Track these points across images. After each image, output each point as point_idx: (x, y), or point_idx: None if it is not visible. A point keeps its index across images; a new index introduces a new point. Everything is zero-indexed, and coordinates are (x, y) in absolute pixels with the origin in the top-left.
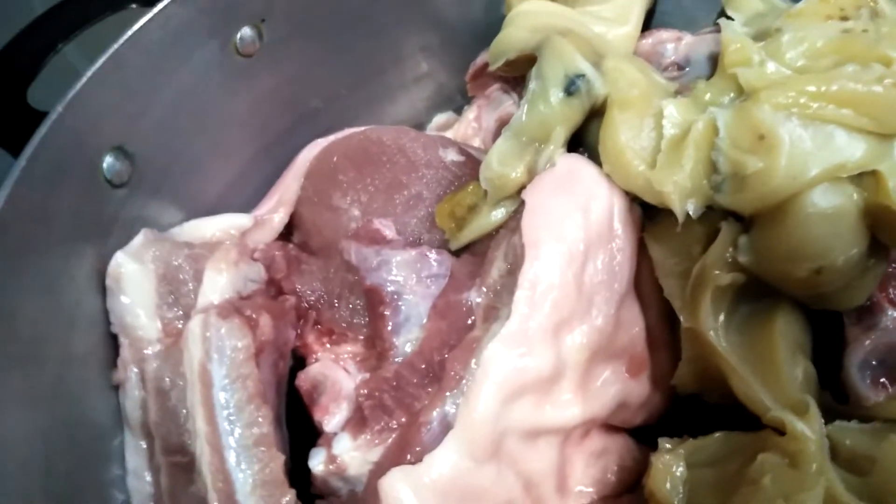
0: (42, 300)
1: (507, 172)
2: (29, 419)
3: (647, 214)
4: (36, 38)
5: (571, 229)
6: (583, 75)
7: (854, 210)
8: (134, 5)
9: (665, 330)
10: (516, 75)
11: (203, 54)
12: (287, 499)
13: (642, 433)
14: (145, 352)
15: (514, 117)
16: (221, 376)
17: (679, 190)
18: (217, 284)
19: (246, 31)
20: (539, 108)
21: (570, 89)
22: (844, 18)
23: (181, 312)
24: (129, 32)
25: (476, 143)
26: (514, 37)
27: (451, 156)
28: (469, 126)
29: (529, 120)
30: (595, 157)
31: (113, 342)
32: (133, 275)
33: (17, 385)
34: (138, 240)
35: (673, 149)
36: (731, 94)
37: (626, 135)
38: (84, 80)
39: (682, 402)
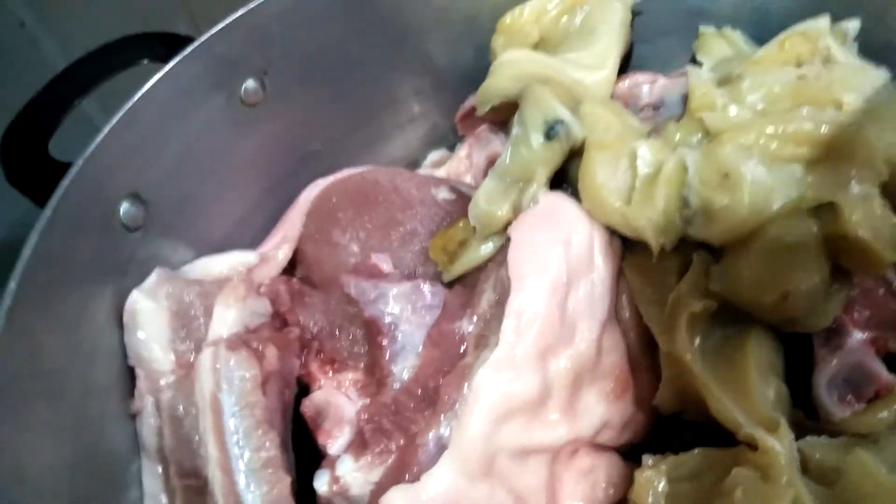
0: (65, 337)
1: (493, 210)
2: (55, 449)
3: (627, 245)
4: (56, 95)
5: (554, 262)
6: (561, 121)
7: (814, 240)
8: (146, 61)
9: (646, 353)
10: (502, 119)
11: (211, 105)
12: None
13: (630, 450)
14: (160, 383)
15: (499, 160)
16: (231, 404)
17: (653, 226)
18: (226, 319)
19: (250, 83)
20: (521, 152)
21: (550, 134)
22: (800, 65)
23: (193, 345)
24: (143, 89)
25: (468, 179)
26: (497, 85)
27: (443, 194)
28: (461, 163)
29: (513, 163)
30: (577, 194)
31: (130, 374)
32: (148, 311)
33: (44, 417)
34: (152, 279)
35: (646, 186)
36: (699, 135)
37: (602, 174)
38: (102, 134)
39: (666, 422)
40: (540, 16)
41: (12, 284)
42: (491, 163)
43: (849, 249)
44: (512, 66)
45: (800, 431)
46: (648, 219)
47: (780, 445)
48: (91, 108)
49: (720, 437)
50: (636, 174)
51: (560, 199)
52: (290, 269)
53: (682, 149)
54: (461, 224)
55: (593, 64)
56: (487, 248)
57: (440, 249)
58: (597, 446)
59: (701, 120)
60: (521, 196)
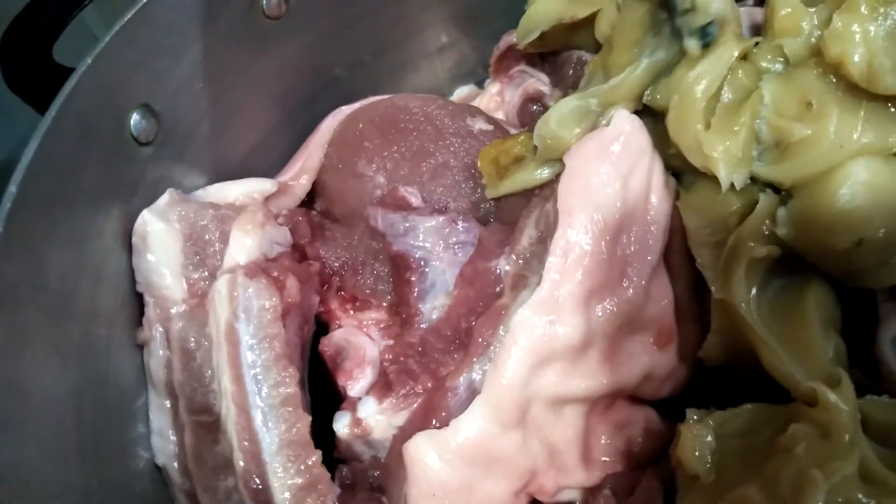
0: (70, 254)
1: (562, 134)
2: (61, 374)
3: (681, 182)
4: None
5: (609, 198)
6: (712, 21)
7: None
8: None
9: (693, 302)
10: (546, 51)
11: (230, 14)
12: (313, 459)
13: (665, 406)
14: (171, 311)
15: (587, 81)
16: (249, 336)
17: (728, 157)
18: (244, 245)
19: None
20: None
21: (705, 38)
22: None
23: (206, 273)
24: None
25: (499, 115)
26: (548, 7)
27: (479, 125)
28: (492, 99)
29: (619, 86)
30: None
31: (138, 301)
32: (159, 234)
33: (49, 337)
34: (164, 199)
35: (728, 114)
36: (781, 61)
37: (702, 87)
38: (111, 35)
39: (704, 377)
40: None
41: (12, 188)
42: (528, 99)
43: None
44: None
45: (859, 391)
46: (725, 149)
47: (842, 401)
48: (98, 18)
49: (769, 393)
50: (719, 99)
51: (631, 124)
52: (309, 202)
53: (765, 75)
54: (522, 138)
55: None
56: (543, 173)
57: (491, 160)
58: (634, 400)
59: (780, 46)
60: (598, 122)
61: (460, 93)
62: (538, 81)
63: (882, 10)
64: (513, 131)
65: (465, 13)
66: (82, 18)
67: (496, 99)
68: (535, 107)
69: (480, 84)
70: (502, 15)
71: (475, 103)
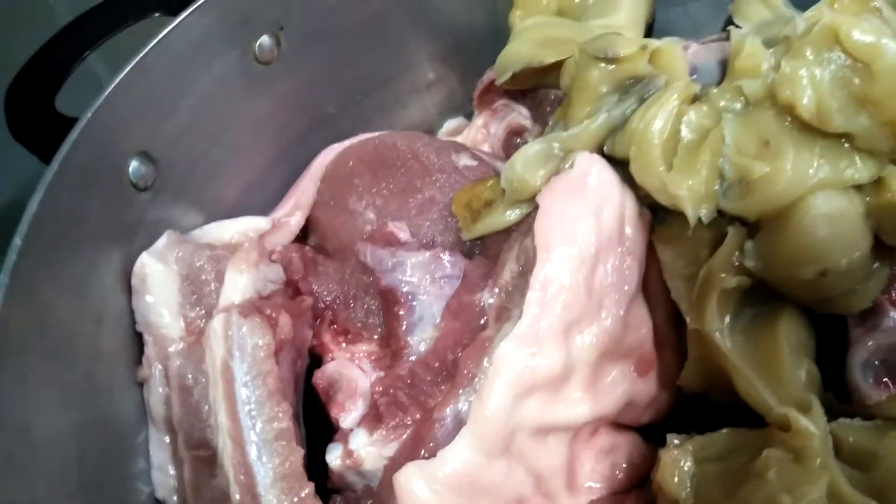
0: (72, 298)
1: (527, 177)
2: (64, 414)
3: (657, 217)
4: (63, 47)
5: (583, 233)
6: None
7: (857, 212)
8: (157, 14)
9: (672, 330)
10: (521, 89)
11: (223, 62)
12: (306, 491)
13: (649, 431)
14: (169, 349)
15: (553, 126)
16: (243, 373)
17: (693, 194)
18: (238, 284)
19: (265, 40)
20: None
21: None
22: None
23: (203, 312)
24: (154, 41)
25: (485, 147)
26: (519, 50)
27: (464, 160)
28: (479, 132)
29: (579, 135)
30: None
31: (138, 340)
32: (157, 275)
33: (51, 378)
34: (162, 241)
35: (689, 153)
36: (743, 101)
37: (659, 130)
38: (111, 87)
39: (688, 402)
40: None
41: (17, 241)
42: (512, 132)
43: (894, 221)
44: (535, 30)
45: (831, 414)
46: (689, 187)
47: (813, 426)
48: (99, 67)
49: (745, 418)
50: (679, 140)
51: (595, 163)
52: (303, 237)
53: (725, 115)
54: (490, 183)
55: (620, 28)
56: (513, 215)
57: (464, 205)
58: (617, 426)
59: (740, 87)
60: (561, 166)
61: (449, 125)
62: (520, 115)
63: (826, 55)
64: (498, 164)
65: (451, 49)
66: (87, 64)
67: (482, 131)
68: (518, 140)
69: (469, 116)
70: (488, 50)
71: (463, 135)
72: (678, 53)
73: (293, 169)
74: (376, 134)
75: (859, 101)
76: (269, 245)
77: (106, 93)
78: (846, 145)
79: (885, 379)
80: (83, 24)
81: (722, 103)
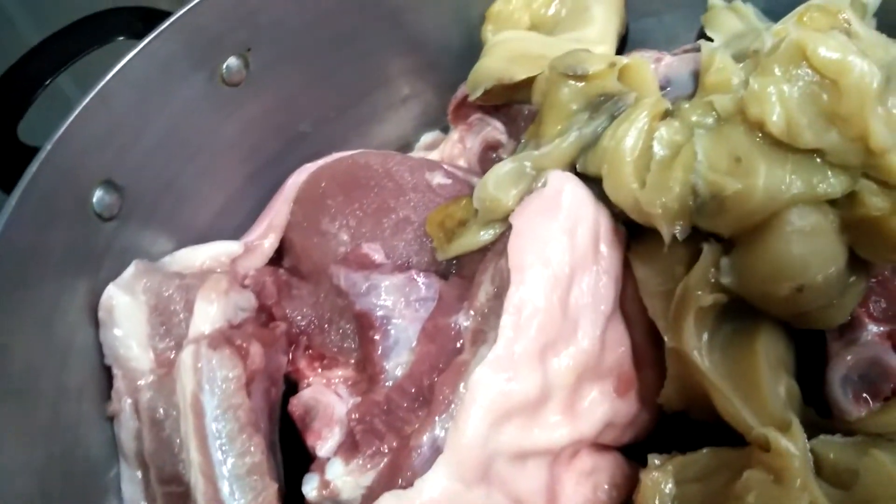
0: (35, 335)
1: (499, 196)
2: (26, 454)
3: (632, 234)
4: (24, 74)
5: (557, 253)
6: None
7: (832, 227)
8: (122, 37)
9: (651, 348)
10: (493, 104)
11: (190, 85)
12: None
13: (632, 450)
14: (139, 383)
15: (524, 146)
16: (213, 407)
17: (666, 212)
18: (208, 314)
19: (232, 61)
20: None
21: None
22: None
23: (173, 343)
24: (117, 67)
25: (461, 162)
26: (490, 66)
27: (438, 179)
28: (454, 146)
29: (552, 153)
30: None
31: (107, 374)
32: (125, 307)
33: (13, 420)
34: (129, 271)
35: (662, 170)
36: (714, 116)
37: (630, 148)
38: (73, 115)
39: (670, 419)
40: (529, 2)
41: None
42: (487, 146)
43: (870, 234)
44: (506, 46)
45: (812, 430)
46: (662, 204)
47: (793, 447)
48: (68, 88)
49: (727, 436)
50: (652, 156)
51: (568, 182)
52: (277, 259)
53: (697, 130)
54: (464, 202)
55: (592, 42)
56: (487, 235)
57: (438, 225)
58: (599, 446)
59: (711, 102)
60: (533, 185)
61: (426, 139)
62: (496, 130)
63: (794, 71)
64: (474, 179)
65: (425, 64)
66: (58, 87)
67: (458, 146)
68: (494, 154)
69: (446, 130)
70: (463, 64)
71: (439, 150)
72: (647, 69)
73: (267, 190)
74: (349, 153)
75: (828, 118)
76: (242, 269)
77: (68, 121)
78: (818, 160)
79: (865, 394)
80: (46, 49)
81: (694, 118)
